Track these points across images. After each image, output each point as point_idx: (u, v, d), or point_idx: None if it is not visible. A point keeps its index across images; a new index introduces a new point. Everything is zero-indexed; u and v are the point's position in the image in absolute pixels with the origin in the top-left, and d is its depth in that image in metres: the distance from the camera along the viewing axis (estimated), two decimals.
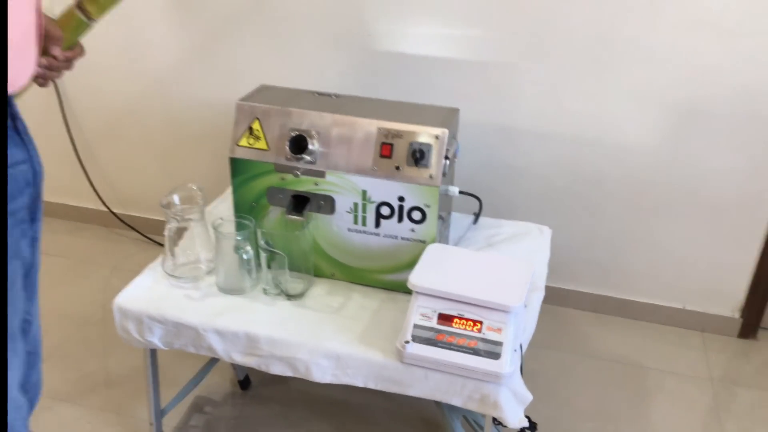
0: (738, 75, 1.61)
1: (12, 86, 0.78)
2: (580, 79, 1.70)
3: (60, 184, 2.25)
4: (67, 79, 2.05)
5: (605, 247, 1.88)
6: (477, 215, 1.58)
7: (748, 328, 1.86)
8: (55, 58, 0.96)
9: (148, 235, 2.23)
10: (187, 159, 2.08)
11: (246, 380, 1.70)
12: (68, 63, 1.01)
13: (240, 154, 1.35)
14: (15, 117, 0.82)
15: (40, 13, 0.85)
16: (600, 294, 1.94)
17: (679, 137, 1.71)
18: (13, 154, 0.82)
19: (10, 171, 0.81)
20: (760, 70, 1.59)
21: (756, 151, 1.67)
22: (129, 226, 2.23)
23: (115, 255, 2.17)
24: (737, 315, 1.87)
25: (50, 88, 2.07)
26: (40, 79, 0.99)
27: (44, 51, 0.95)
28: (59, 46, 0.96)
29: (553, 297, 1.93)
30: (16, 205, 0.83)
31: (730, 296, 1.85)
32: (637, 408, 1.65)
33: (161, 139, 2.08)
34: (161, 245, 2.17)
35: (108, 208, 2.23)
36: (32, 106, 2.13)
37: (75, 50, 1.03)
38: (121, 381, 1.70)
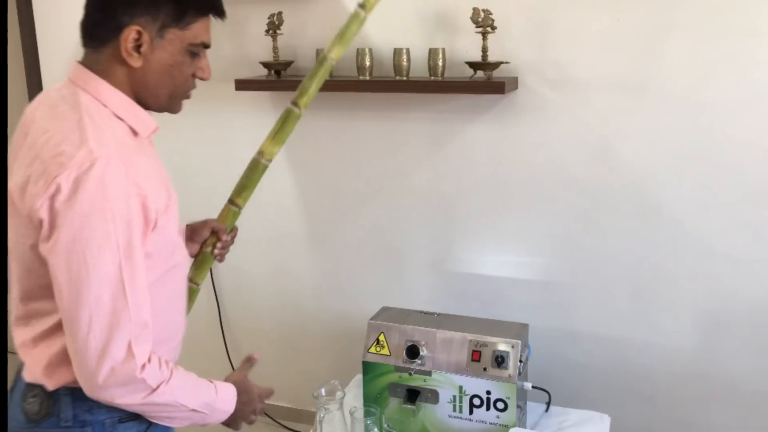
0: (751, 293, 2.04)
1: None
2: (626, 295, 2.16)
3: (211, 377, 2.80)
4: (226, 295, 2.68)
5: (661, 431, 2.23)
6: (548, 404, 2.00)
7: None
8: (224, 240, 1.53)
9: (276, 419, 2.71)
10: (313, 356, 2.61)
11: None
12: (232, 241, 1.58)
13: (370, 358, 1.86)
14: None
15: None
16: None
17: (711, 341, 2.10)
18: None
19: None
20: (765, 290, 2.02)
21: None
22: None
23: None
24: None
25: (212, 304, 2.69)
26: (219, 257, 1.56)
27: (217, 239, 1.52)
28: (224, 232, 1.53)
29: None
30: None
31: None
32: None
33: (294, 341, 2.63)
34: (286, 428, 2.65)
35: None
36: (198, 324, 2.75)
37: (233, 232, 1.58)
38: None
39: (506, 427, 1.75)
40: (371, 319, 1.91)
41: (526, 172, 2.18)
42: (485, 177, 2.24)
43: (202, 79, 1.24)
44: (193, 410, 1.19)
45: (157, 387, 1.11)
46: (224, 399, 1.27)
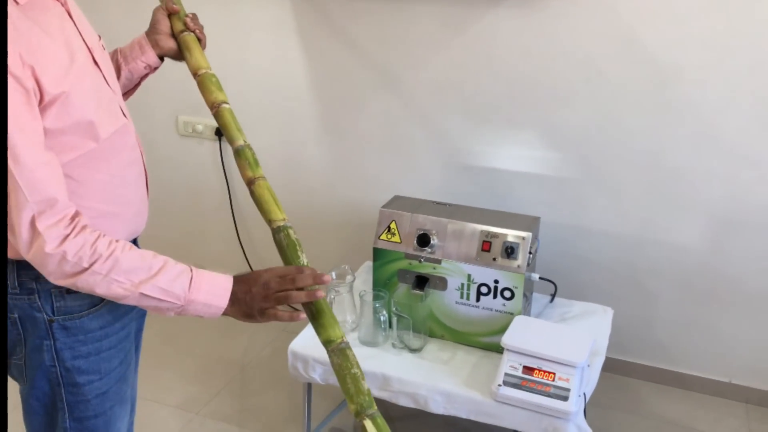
0: (763, 196, 2.02)
1: None
2: (639, 193, 2.15)
3: (223, 262, 2.86)
4: (238, 185, 2.68)
5: (662, 327, 2.28)
6: (553, 296, 2.04)
7: None
8: (189, 14, 1.38)
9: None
10: (323, 243, 2.65)
11: None
12: (195, 20, 1.39)
13: (381, 245, 1.88)
14: None
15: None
16: (657, 366, 2.31)
17: (722, 241, 2.11)
18: None
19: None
20: None
21: None
22: None
23: None
24: None
25: (223, 186, 2.70)
26: (200, 36, 1.38)
27: (180, 16, 1.36)
28: (177, 3, 1.38)
29: (618, 367, 2.32)
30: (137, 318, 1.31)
31: None
32: None
33: (305, 228, 2.65)
34: (297, 309, 2.73)
35: None
36: (208, 206, 2.76)
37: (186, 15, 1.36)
38: (275, 412, 2.21)
39: (511, 314, 1.79)
40: (383, 207, 1.92)
41: (547, 62, 2.11)
42: (504, 66, 2.17)
43: None
44: (151, 297, 1.08)
45: (90, 266, 1.05)
46: (207, 290, 1.11)
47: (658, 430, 2.12)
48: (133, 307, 1.28)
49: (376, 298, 1.86)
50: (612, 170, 2.16)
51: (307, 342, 1.85)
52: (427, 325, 1.87)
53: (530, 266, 1.81)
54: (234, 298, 1.13)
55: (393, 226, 1.88)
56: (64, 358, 1.18)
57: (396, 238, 1.87)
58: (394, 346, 1.85)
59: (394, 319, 1.83)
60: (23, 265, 1.11)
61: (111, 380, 1.25)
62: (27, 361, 1.20)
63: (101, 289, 1.07)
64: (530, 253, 1.78)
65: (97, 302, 1.19)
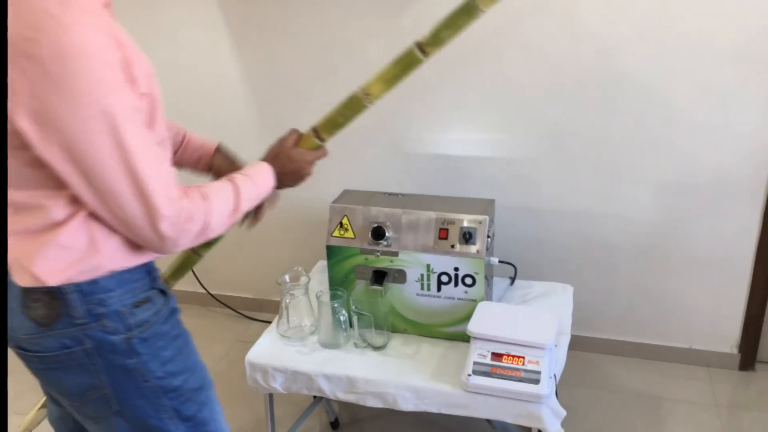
0: (712, 160, 2.04)
1: None
2: (589, 168, 2.14)
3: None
4: None
5: (620, 300, 2.28)
6: (513, 278, 2.01)
7: (746, 362, 2.22)
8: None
9: (238, 310, 2.68)
10: (274, 246, 2.55)
11: (336, 422, 2.10)
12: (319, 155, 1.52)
13: (334, 242, 1.81)
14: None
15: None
16: (618, 339, 2.32)
17: (672, 210, 2.13)
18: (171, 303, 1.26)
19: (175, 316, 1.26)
20: (725, 155, 2.03)
21: (734, 220, 2.09)
22: (222, 303, 2.69)
23: (211, 328, 2.62)
24: (735, 351, 2.24)
25: None
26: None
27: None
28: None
29: (580, 344, 2.32)
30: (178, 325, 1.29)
31: (727, 335, 2.22)
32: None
33: (252, 232, 2.55)
34: (249, 318, 2.63)
35: (206, 289, 2.70)
36: None
37: (320, 151, 1.51)
38: (236, 427, 2.10)
39: (474, 301, 1.75)
40: (333, 202, 1.84)
41: (487, 41, 2.07)
42: (446, 50, 2.11)
43: None
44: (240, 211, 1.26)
45: (209, 215, 1.16)
46: (263, 182, 1.34)
47: (626, 403, 2.12)
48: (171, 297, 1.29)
49: (333, 297, 1.78)
50: (560, 147, 2.14)
51: (263, 351, 1.76)
52: (388, 320, 1.81)
53: (489, 250, 1.77)
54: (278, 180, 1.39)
55: (345, 221, 1.81)
56: (154, 369, 1.18)
57: (349, 234, 1.80)
58: (356, 345, 1.78)
59: (355, 318, 1.76)
60: (87, 291, 1.09)
61: (198, 371, 1.28)
62: (115, 389, 1.15)
63: (225, 220, 1.23)
64: (488, 236, 1.74)
65: (160, 305, 1.20)
